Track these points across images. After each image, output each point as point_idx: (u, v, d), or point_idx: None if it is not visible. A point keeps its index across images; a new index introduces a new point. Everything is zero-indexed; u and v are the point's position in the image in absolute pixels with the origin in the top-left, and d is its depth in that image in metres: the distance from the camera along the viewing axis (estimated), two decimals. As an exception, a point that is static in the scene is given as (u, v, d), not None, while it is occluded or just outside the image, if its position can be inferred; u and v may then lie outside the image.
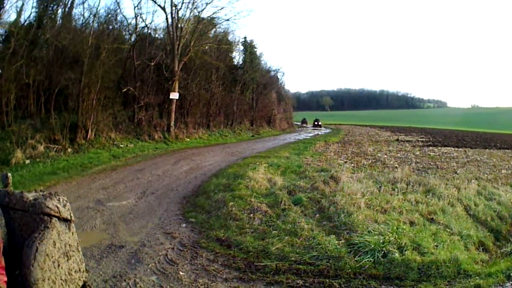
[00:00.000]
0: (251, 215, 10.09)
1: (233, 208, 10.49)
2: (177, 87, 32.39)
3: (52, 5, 25.23)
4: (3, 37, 22.60)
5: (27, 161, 17.53)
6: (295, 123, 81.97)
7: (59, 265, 2.80)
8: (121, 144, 24.78)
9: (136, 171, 17.57)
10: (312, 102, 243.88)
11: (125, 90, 28.33)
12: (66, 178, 15.29)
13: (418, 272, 7.07)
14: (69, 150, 20.55)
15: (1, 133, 19.03)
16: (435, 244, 8.40)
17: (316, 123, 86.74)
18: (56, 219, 2.90)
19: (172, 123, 32.15)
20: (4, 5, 20.98)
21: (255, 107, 53.19)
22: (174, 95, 32.00)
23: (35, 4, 24.21)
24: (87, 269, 3.30)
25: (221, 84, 42.83)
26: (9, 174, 3.09)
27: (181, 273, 7.01)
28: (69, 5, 27.17)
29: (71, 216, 3.08)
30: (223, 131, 41.80)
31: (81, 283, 3.09)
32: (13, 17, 23.11)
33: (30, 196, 2.90)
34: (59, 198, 3.03)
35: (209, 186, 13.80)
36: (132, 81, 29.39)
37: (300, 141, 38.46)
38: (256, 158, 21.21)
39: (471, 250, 8.94)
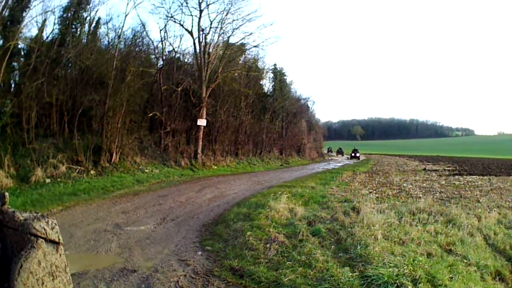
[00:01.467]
0: (268, 245, 9.78)
1: (250, 238, 10.22)
2: (204, 114, 32.13)
3: (75, 23, 25.16)
4: (24, 51, 22.45)
5: (48, 180, 17.41)
6: (330, 153, 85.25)
7: (43, 283, 2.64)
8: (146, 169, 24.49)
9: (159, 197, 17.31)
10: (343, 131, 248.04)
11: (151, 114, 28.19)
12: (87, 200, 15.24)
13: None
14: (92, 172, 20.38)
15: (22, 150, 18.94)
16: (451, 276, 7.96)
17: (353, 154, 79.81)
18: (43, 240, 2.73)
19: (199, 150, 31.83)
20: (24, 19, 20.90)
21: (285, 135, 52.86)
22: (202, 122, 31.72)
23: (57, 21, 24.09)
24: None
25: (250, 111, 42.53)
26: (6, 194, 2.92)
27: None
28: (93, 24, 27.21)
29: (59, 239, 2.85)
30: (252, 160, 41.43)
31: None
32: (34, 32, 23.11)
33: (21, 216, 2.80)
34: (47, 221, 2.82)
35: (230, 215, 13.56)
36: (159, 106, 29.27)
37: (328, 170, 37.80)
38: (281, 187, 20.58)
39: (487, 280, 8.51)
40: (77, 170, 19.49)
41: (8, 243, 2.84)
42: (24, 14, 20.68)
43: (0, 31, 18.98)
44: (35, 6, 21.55)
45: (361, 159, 76.68)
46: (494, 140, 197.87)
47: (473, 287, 7.22)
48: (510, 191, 22.79)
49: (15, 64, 21.75)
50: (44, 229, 2.76)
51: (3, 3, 19.18)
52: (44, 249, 2.72)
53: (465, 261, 9.12)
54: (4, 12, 19.36)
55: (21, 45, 21.78)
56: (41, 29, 22.95)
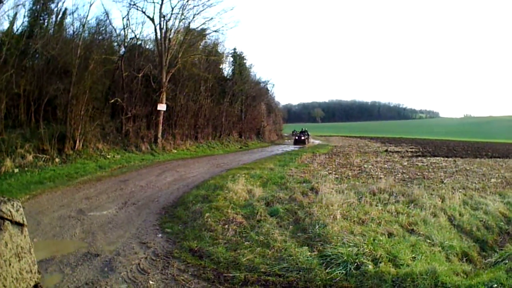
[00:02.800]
0: (226, 226, 10.05)
1: (209, 219, 10.48)
2: (164, 99, 32.70)
3: (43, 15, 25.65)
4: (-5, 46, 22.76)
5: (16, 170, 17.71)
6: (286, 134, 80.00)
7: (10, 264, 3.01)
8: (108, 155, 24.94)
9: (120, 181, 17.72)
10: (303, 114, 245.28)
11: (113, 101, 28.63)
12: (52, 188, 15.42)
13: (392, 285, 6.88)
14: (57, 160, 20.75)
15: (-9, 142, 19.14)
16: (413, 255, 8.23)
17: (298, 137, 60.10)
18: (9, 222, 3.11)
19: (160, 134, 32.41)
20: None
21: (244, 118, 53.71)
22: (162, 107, 32.29)
23: (27, 13, 24.58)
24: (39, 271, 3.47)
25: (210, 95, 43.06)
26: None
27: (151, 282, 7.11)
28: (60, 15, 27.55)
29: (23, 221, 3.28)
30: (211, 143, 42.05)
31: (32, 283, 3.28)
32: (5, 25, 23.45)
33: None
34: (13, 203, 3.24)
35: (189, 197, 13.81)
36: (120, 92, 29.68)
37: (287, 152, 38.35)
38: (241, 169, 21.17)
39: (453, 261, 8.82)
40: (43, 159, 19.86)
41: None
42: (-3, 10, 20.81)
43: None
44: (8, 1, 22.39)
45: (317, 141, 70.63)
46: (460, 123, 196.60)
47: (437, 267, 7.22)
48: (477, 173, 23.53)
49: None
50: (10, 212, 3.12)
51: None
52: (10, 231, 3.06)
53: (429, 241, 9.45)
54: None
55: (-8, 39, 21.98)
56: (12, 23, 23.51)
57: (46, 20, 26.29)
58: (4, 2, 21.75)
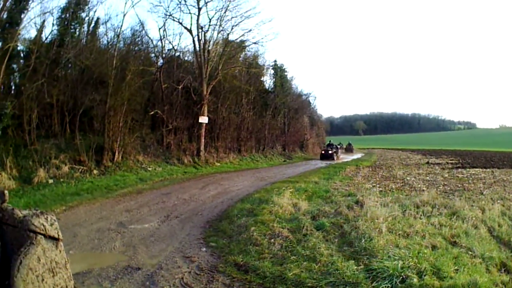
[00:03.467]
0: (272, 240, 9.80)
1: (254, 233, 10.25)
2: (206, 111, 32.14)
3: (74, 24, 25.09)
4: (23, 53, 22.33)
5: (50, 181, 17.37)
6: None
7: (43, 280, 2.75)
8: (149, 167, 24.47)
9: (162, 194, 17.25)
10: (345, 126, 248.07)
11: (152, 113, 28.16)
12: (90, 200, 15.17)
13: None
14: (95, 171, 20.35)
15: (24, 152, 18.91)
16: (456, 268, 7.95)
17: (324, 151, 51.33)
18: (42, 236, 2.85)
19: (202, 147, 31.81)
20: (23, 21, 20.74)
21: (287, 131, 53.06)
22: (203, 119, 31.76)
23: (56, 22, 24.03)
24: (75, 287, 3.14)
25: (252, 108, 42.59)
26: (6, 192, 3.04)
27: None
28: (92, 24, 27.17)
29: (59, 235, 2.99)
30: (254, 156, 41.51)
31: None
32: (32, 33, 23.01)
33: (21, 213, 2.91)
34: (46, 217, 2.96)
35: (233, 211, 13.53)
36: (160, 104, 29.23)
37: (331, 165, 37.82)
38: (285, 183, 20.64)
39: (492, 272, 8.44)
40: (79, 170, 19.44)
41: (8, 241, 2.90)
42: (22, 16, 20.57)
43: (-1, 33, 18.77)
44: (33, 8, 21.52)
45: (359, 154, 69.47)
46: (496, 133, 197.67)
47: (478, 279, 7.07)
48: (514, 183, 22.72)
49: (14, 66, 21.67)
50: (43, 225, 2.85)
51: (0, 6, 19.08)
52: (43, 246, 2.81)
53: (470, 253, 9.11)
54: (2, 15, 19.26)
55: (20, 47, 21.68)
56: (39, 31, 22.95)
57: (77, 30, 25.75)
58: (29, 9, 21.13)
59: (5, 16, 19.59)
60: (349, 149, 75.26)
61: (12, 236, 2.90)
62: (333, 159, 48.65)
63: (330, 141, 59.15)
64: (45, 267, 2.82)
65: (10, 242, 2.91)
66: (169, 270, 7.99)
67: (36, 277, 2.72)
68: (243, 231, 10.68)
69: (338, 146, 57.80)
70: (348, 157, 57.81)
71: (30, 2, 20.79)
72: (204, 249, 9.58)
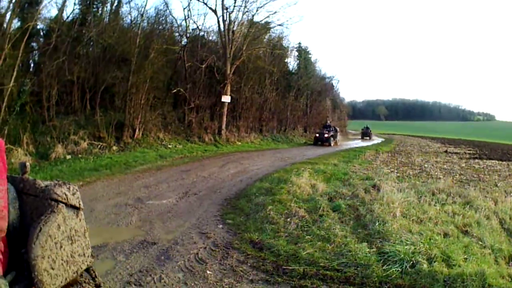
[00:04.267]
0: (288, 219, 9.86)
1: (271, 212, 10.28)
2: (229, 91, 32.14)
3: (96, 3, 25.20)
4: (43, 32, 22.49)
5: (68, 157, 17.41)
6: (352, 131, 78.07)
7: (61, 247, 2.89)
8: (169, 144, 24.58)
9: (181, 171, 17.27)
10: (367, 111, 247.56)
11: (175, 91, 28.21)
12: (108, 175, 15.16)
13: (444, 285, 6.65)
14: (114, 148, 20.41)
15: (42, 128, 18.94)
16: (465, 256, 7.93)
17: (319, 134, 43.33)
18: (63, 205, 2.98)
19: (224, 126, 31.92)
20: (43, 0, 20.82)
21: (309, 113, 52.91)
22: (226, 98, 31.79)
23: (77, 1, 24.10)
24: (93, 255, 3.28)
25: (275, 89, 42.60)
26: (27, 163, 3.22)
27: (208, 272, 6.81)
28: (115, 4, 27.29)
29: (80, 204, 3.16)
30: (276, 136, 41.58)
31: (84, 267, 3.14)
32: (53, 13, 23.43)
33: (43, 183, 3.03)
34: (69, 187, 3.12)
35: (252, 190, 13.53)
36: (183, 83, 29.31)
37: (351, 149, 37.78)
38: (305, 164, 20.75)
39: (500, 264, 8.28)
40: (98, 146, 19.50)
41: (27, 210, 3.01)
42: (42, -4, 20.53)
43: (18, 13, 18.90)
44: None
45: (380, 139, 67.65)
46: None
47: (486, 269, 7.02)
48: (528, 178, 22.92)
49: (34, 44, 21.87)
50: (66, 195, 3.00)
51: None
52: (64, 214, 2.94)
53: (480, 243, 9.09)
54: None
55: (40, 25, 21.86)
56: (61, 10, 23.00)
57: (100, 9, 25.91)
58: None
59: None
60: (365, 134, 66.80)
61: (32, 206, 2.99)
62: (330, 144, 40.88)
63: (328, 122, 46.36)
64: (64, 235, 2.94)
65: (30, 212, 3.01)
66: (185, 246, 8.04)
67: (55, 244, 2.81)
68: (260, 209, 10.68)
69: (338, 129, 46.48)
70: (351, 144, 48.79)
71: (51, -19, 20.71)
72: (221, 226, 9.63)
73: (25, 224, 2.99)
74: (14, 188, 3.01)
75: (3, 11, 18.19)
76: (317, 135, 42.48)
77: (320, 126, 47.33)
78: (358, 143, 48.84)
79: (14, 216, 2.91)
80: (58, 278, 2.80)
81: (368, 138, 64.66)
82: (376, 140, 65.56)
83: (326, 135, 41.46)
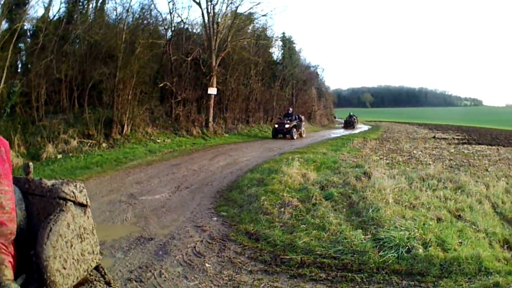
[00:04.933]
0: (282, 209, 10.08)
1: (265, 203, 10.46)
2: (215, 83, 32.19)
3: (82, 0, 25.18)
4: (30, 32, 22.49)
5: (59, 156, 17.46)
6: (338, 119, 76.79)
7: (71, 246, 2.88)
8: (158, 139, 24.65)
9: (172, 166, 17.45)
10: (353, 98, 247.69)
11: (161, 85, 28.24)
12: (100, 173, 15.31)
13: (440, 268, 6.92)
14: (104, 145, 20.46)
15: (32, 128, 18.95)
16: (460, 241, 8.20)
17: (278, 124, 35.74)
18: (72, 203, 2.96)
19: (211, 118, 31.99)
20: (30, 0, 20.79)
21: (295, 103, 52.61)
22: (212, 91, 31.85)
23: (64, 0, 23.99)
24: (101, 252, 3.30)
25: (260, 79, 42.64)
26: (31, 164, 3.22)
27: (207, 265, 7.03)
28: (100, 0, 27.16)
29: (87, 202, 3.13)
30: (263, 127, 41.62)
31: (94, 264, 3.14)
32: (40, 12, 23.30)
33: (49, 182, 3.01)
34: (75, 184, 3.09)
35: (243, 181, 13.78)
36: (169, 76, 29.31)
37: (339, 137, 37.94)
38: (294, 153, 20.86)
39: (495, 247, 8.56)
40: (88, 144, 19.58)
41: (34, 211, 2.98)
42: (30, -4, 20.48)
43: (6, 14, 18.86)
44: None
45: (367, 127, 65.92)
46: (502, 111, 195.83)
47: (481, 253, 7.30)
48: (518, 161, 23.28)
49: (21, 45, 21.92)
50: (73, 192, 2.96)
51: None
52: (73, 212, 2.90)
53: (474, 227, 9.30)
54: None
55: (27, 26, 21.80)
56: (47, 9, 22.91)
57: (85, 6, 25.87)
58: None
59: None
60: (349, 123, 59.99)
61: (39, 206, 2.99)
62: (292, 137, 34.66)
63: (289, 110, 38.20)
64: (74, 233, 2.93)
65: (36, 212, 3.00)
66: (181, 240, 8.22)
67: (65, 243, 2.82)
68: (253, 200, 10.88)
69: (302, 118, 38.76)
70: (317, 136, 41.10)
71: (38, -19, 20.64)
72: (215, 218, 9.81)
73: (32, 225, 3.01)
74: (19, 189, 3.01)
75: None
76: (276, 125, 35.72)
77: (306, 115, 44.38)
78: (342, 132, 48.43)
79: (21, 218, 2.90)
80: (70, 278, 2.83)
81: (352, 127, 57.47)
82: (364, 127, 65.10)
83: (287, 126, 34.67)
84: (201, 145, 26.03)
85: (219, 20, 32.75)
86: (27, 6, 20.39)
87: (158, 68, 29.13)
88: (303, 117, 39.58)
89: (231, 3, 33.61)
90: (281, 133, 34.81)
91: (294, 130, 35.16)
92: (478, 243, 8.23)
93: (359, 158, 20.02)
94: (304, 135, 37.68)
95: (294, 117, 36.31)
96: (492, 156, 24.57)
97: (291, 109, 38.42)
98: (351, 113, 61.99)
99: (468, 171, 16.72)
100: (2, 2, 18.46)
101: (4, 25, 19.35)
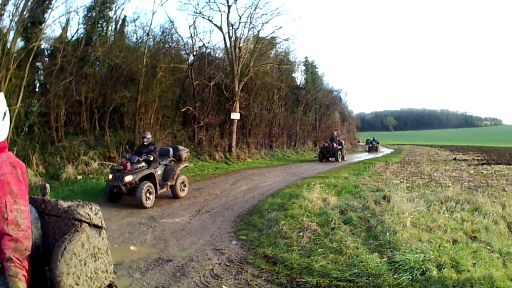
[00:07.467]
0: (301, 233, 10.01)
1: (284, 227, 10.43)
2: (238, 108, 32.03)
3: (101, 22, 25.08)
4: (48, 51, 22.45)
5: (79, 177, 17.44)
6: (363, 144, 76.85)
7: (85, 264, 3.05)
8: None
9: (193, 190, 17.23)
10: (376, 122, 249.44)
11: (184, 109, 28.22)
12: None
13: None
14: None
15: (51, 149, 18.97)
16: (474, 261, 8.10)
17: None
18: (87, 224, 3.15)
19: (234, 143, 31.79)
20: (46, 19, 20.69)
21: (318, 127, 52.54)
22: (235, 115, 31.69)
23: (82, 20, 24.03)
24: (115, 271, 3.49)
25: (284, 104, 42.40)
26: (47, 185, 3.38)
27: (224, 287, 6.97)
28: (120, 22, 27.15)
29: (102, 224, 3.35)
30: (286, 152, 41.33)
31: (107, 282, 3.31)
32: (57, 32, 23.04)
33: (65, 204, 3.22)
34: (91, 207, 3.29)
35: (264, 206, 13.76)
36: (192, 101, 29.27)
37: (361, 161, 37.72)
38: (316, 178, 20.71)
39: (508, 267, 8.35)
40: (109, 166, 19.32)
41: (49, 231, 3.22)
42: (46, 15, 20.55)
43: (21, 32, 18.89)
44: (57, 7, 22.28)
45: (389, 150, 65.32)
46: None
47: (494, 273, 7.12)
48: (536, 181, 22.89)
49: (39, 64, 21.89)
50: (88, 215, 3.18)
51: (22, 5, 18.95)
52: (87, 233, 3.12)
53: (489, 247, 9.19)
54: (24, 14, 19.13)
55: (44, 45, 21.83)
56: (65, 29, 22.92)
57: (105, 28, 25.78)
58: (53, 8, 21.09)
59: (27, 15, 19.47)
60: (372, 148, 59.22)
61: (55, 226, 3.20)
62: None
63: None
64: (88, 252, 3.11)
65: (52, 232, 3.21)
66: (200, 262, 8.15)
67: (79, 261, 2.99)
68: (273, 224, 10.85)
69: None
70: (361, 156, 44.82)
71: (53, 1, 20.72)
72: (235, 242, 9.75)
73: (47, 243, 3.17)
74: (35, 209, 3.18)
75: (5, 30, 18.22)
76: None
77: (329, 139, 43.06)
78: (365, 156, 48.35)
79: (37, 236, 3.06)
80: None
81: (375, 151, 58.00)
82: (386, 151, 64.66)
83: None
84: (223, 169, 25.86)
85: (241, 44, 32.69)
86: (43, 25, 20.36)
87: (180, 93, 29.12)
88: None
89: (252, 27, 33.62)
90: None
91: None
92: (492, 263, 8.17)
93: (380, 182, 19.83)
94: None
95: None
96: (510, 175, 24.25)
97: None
98: (374, 137, 61.63)
99: (486, 192, 16.32)
100: (16, 20, 18.49)
101: (20, 43, 19.40)
